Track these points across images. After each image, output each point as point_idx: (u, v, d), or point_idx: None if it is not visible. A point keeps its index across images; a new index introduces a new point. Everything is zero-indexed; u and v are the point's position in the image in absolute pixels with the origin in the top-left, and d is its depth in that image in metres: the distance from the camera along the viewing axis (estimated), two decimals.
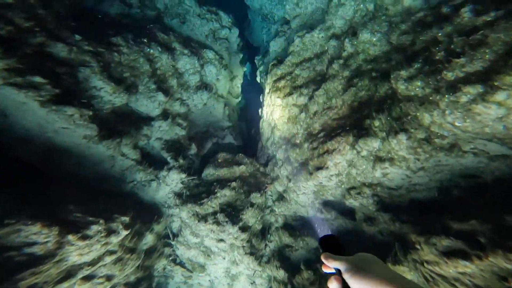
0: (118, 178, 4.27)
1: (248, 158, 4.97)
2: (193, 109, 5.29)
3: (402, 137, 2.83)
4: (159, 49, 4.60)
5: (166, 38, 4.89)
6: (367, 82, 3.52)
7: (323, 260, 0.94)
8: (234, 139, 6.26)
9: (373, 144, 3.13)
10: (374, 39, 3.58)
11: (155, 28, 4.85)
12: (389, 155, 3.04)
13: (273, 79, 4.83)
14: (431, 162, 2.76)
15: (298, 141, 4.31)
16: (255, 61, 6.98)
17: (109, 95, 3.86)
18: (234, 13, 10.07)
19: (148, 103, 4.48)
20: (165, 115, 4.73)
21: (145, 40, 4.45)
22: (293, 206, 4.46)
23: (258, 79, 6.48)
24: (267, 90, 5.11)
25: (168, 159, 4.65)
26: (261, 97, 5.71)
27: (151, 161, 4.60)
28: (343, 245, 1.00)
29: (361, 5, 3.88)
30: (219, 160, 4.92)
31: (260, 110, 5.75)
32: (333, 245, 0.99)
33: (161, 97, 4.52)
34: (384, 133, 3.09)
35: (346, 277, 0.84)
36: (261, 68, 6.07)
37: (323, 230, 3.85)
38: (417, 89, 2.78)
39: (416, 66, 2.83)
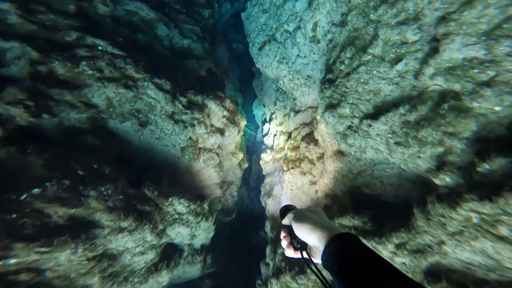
0: None
1: None
2: None
3: None
4: (46, 249, 2.20)
5: (82, 212, 2.48)
6: None
7: (282, 223, 1.05)
8: None
9: None
10: None
11: (47, 191, 2.12)
12: None
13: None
14: None
15: None
16: (262, 157, 4.63)
17: None
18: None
19: None
20: None
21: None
22: None
23: (262, 203, 4.18)
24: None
25: None
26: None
27: None
28: None
29: None
30: None
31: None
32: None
33: None
34: None
35: (292, 223, 0.93)
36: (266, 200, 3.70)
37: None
38: None
39: None
